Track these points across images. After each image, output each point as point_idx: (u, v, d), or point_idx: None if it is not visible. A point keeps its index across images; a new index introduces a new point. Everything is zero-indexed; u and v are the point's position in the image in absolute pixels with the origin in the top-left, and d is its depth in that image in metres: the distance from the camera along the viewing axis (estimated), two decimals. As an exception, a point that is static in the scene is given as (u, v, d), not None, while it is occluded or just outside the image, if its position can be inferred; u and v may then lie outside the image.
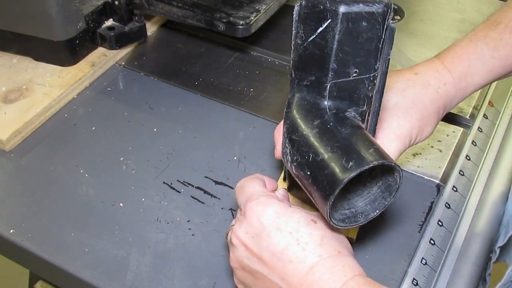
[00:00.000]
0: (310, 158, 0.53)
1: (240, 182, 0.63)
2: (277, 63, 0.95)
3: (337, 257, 0.55)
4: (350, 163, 0.51)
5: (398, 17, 1.05)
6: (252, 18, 0.88)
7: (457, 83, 0.68)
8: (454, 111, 0.86)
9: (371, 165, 0.51)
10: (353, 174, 0.50)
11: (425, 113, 0.67)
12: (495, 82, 0.92)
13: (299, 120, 0.55)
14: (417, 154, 0.80)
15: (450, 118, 0.86)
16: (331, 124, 0.54)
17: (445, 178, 0.77)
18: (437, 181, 0.77)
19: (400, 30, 1.01)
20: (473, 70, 0.67)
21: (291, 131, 0.56)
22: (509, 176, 0.82)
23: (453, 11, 1.06)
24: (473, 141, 0.83)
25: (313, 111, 0.55)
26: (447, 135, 0.83)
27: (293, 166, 0.56)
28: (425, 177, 0.77)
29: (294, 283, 0.55)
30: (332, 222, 0.54)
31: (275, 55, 0.96)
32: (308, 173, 0.53)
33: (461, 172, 0.79)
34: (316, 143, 0.53)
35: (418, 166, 0.79)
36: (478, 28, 0.70)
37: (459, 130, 0.84)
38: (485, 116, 0.87)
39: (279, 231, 0.56)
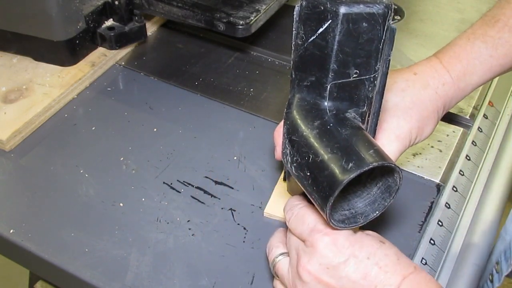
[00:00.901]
0: (310, 159, 0.53)
1: (294, 211, 0.59)
2: (277, 63, 0.96)
3: (417, 273, 0.55)
4: (350, 164, 0.51)
5: (398, 17, 1.05)
6: (252, 18, 0.88)
7: (456, 83, 0.68)
8: (454, 111, 0.86)
9: (371, 166, 0.51)
10: (352, 175, 0.50)
11: (425, 114, 0.67)
12: (495, 83, 0.93)
13: (299, 121, 0.55)
14: (417, 154, 0.80)
15: (450, 118, 0.86)
16: (331, 125, 0.54)
17: (445, 178, 0.77)
18: (437, 181, 0.77)
19: (400, 30, 1.01)
20: (471, 70, 0.67)
21: (291, 132, 0.56)
22: (509, 176, 0.82)
23: (453, 11, 1.06)
24: (473, 141, 0.83)
25: (313, 111, 0.55)
26: (447, 135, 0.83)
27: (293, 167, 0.56)
28: (425, 177, 0.78)
29: None
30: (332, 223, 0.54)
31: (275, 55, 0.96)
32: (308, 174, 0.53)
33: (461, 172, 0.79)
34: (316, 144, 0.53)
35: (418, 166, 0.79)
36: (476, 25, 0.70)
37: (459, 130, 0.84)
38: (485, 116, 0.87)
39: (356, 258, 0.55)
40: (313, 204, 0.56)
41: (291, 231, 0.59)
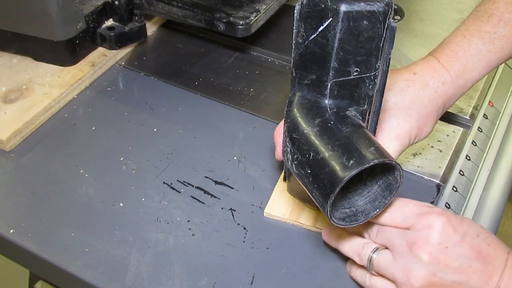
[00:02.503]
0: (311, 157, 0.53)
1: (400, 201, 0.60)
2: (277, 63, 0.95)
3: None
4: (351, 162, 0.51)
5: (398, 17, 1.05)
6: (252, 18, 0.88)
7: (455, 81, 0.68)
8: (454, 111, 0.86)
9: (371, 164, 0.51)
10: (353, 172, 0.50)
11: (424, 113, 0.67)
12: (495, 82, 0.93)
13: (299, 119, 0.55)
14: (417, 154, 0.80)
15: (450, 118, 0.86)
16: (332, 122, 0.54)
17: (445, 178, 0.77)
18: (437, 181, 0.77)
19: (400, 30, 1.01)
20: (470, 67, 0.68)
21: (292, 130, 0.56)
22: (509, 176, 0.82)
23: (453, 11, 1.06)
24: (473, 141, 0.83)
25: (314, 109, 0.55)
26: (447, 135, 0.83)
27: (293, 165, 0.56)
28: (425, 177, 0.77)
29: (494, 282, 0.56)
30: (332, 220, 0.54)
31: (275, 55, 0.96)
32: (309, 171, 0.53)
33: (461, 172, 0.79)
34: (316, 142, 0.53)
35: (418, 166, 0.79)
36: (468, 21, 0.70)
37: (459, 130, 0.84)
38: (485, 116, 0.87)
39: (469, 237, 0.56)
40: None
41: (386, 223, 0.59)
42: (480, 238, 0.56)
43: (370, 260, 0.60)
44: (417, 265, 0.56)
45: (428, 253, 0.55)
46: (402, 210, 0.59)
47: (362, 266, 0.62)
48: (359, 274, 0.64)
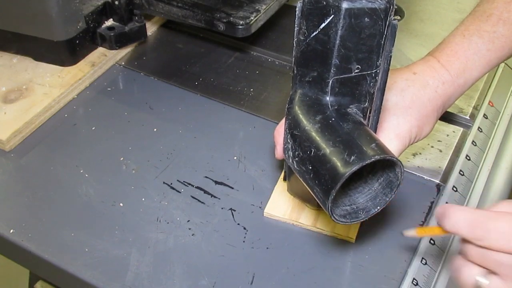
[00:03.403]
0: (312, 153, 0.53)
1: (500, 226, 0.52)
2: (277, 63, 0.95)
3: None
4: (352, 157, 0.51)
5: (398, 17, 1.05)
6: (252, 18, 0.88)
7: (455, 81, 0.68)
8: (454, 111, 0.86)
9: (373, 159, 0.51)
10: (354, 168, 0.50)
11: (424, 113, 0.67)
12: (495, 82, 0.93)
13: (301, 116, 0.55)
14: (417, 154, 0.80)
15: (450, 118, 0.86)
16: (333, 119, 0.54)
17: (445, 178, 0.77)
18: (437, 181, 0.77)
19: (400, 30, 1.00)
20: (470, 66, 0.68)
21: (293, 127, 0.56)
22: (509, 176, 0.82)
23: (453, 11, 1.06)
24: (473, 141, 0.83)
25: (315, 106, 0.55)
26: (447, 135, 0.83)
27: (294, 162, 0.56)
28: (425, 177, 0.77)
29: None
30: (334, 217, 0.54)
31: (275, 55, 0.96)
32: (310, 167, 0.53)
33: (461, 172, 0.79)
34: (318, 138, 0.53)
35: (418, 166, 0.79)
36: (467, 21, 0.70)
37: (459, 130, 0.84)
38: (485, 116, 0.87)
39: None
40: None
41: (501, 249, 0.52)
42: None
43: (477, 285, 0.54)
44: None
45: None
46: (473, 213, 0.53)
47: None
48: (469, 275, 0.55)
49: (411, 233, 0.62)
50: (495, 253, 0.52)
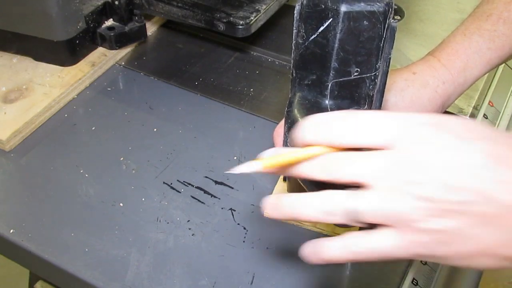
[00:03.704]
0: None
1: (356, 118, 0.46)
2: (277, 63, 0.95)
3: None
4: None
5: (398, 17, 1.05)
6: (252, 18, 0.88)
7: (455, 80, 0.68)
8: (454, 111, 0.86)
9: None
10: None
11: (424, 113, 0.67)
12: (495, 82, 0.93)
13: (300, 119, 0.55)
14: (417, 154, 0.80)
15: (450, 118, 0.86)
16: (333, 122, 0.54)
17: (445, 178, 0.77)
18: (437, 181, 0.77)
19: (400, 30, 1.01)
20: (471, 64, 0.68)
21: (293, 130, 0.56)
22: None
23: (453, 11, 1.06)
24: (473, 141, 0.83)
25: (315, 110, 0.55)
26: (447, 135, 0.83)
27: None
28: (425, 177, 0.77)
29: None
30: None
31: (275, 55, 0.96)
32: None
33: (461, 172, 0.78)
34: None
35: (418, 166, 0.78)
36: (468, 21, 0.70)
37: (459, 130, 0.84)
38: (485, 116, 0.87)
39: (481, 143, 0.44)
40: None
41: (364, 144, 0.45)
42: (498, 143, 0.44)
43: (349, 212, 0.45)
44: (412, 194, 0.43)
45: (426, 176, 0.43)
46: (383, 124, 0.45)
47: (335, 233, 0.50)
48: (340, 246, 0.46)
49: (252, 167, 0.50)
50: (362, 157, 0.45)
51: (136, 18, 0.94)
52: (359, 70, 0.53)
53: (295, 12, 0.54)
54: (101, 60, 0.92)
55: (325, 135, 0.46)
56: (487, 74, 0.73)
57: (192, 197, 0.74)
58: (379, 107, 0.59)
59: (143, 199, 0.74)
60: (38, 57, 0.91)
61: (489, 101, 0.90)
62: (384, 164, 0.44)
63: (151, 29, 1.01)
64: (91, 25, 0.91)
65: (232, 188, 0.75)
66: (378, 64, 0.54)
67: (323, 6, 0.51)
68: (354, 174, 0.45)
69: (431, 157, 0.43)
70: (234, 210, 0.73)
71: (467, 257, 0.44)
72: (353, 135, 0.45)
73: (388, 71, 0.56)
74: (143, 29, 0.95)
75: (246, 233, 0.70)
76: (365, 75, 0.54)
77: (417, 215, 0.43)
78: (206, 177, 0.77)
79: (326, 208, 0.46)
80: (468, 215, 0.43)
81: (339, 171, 0.45)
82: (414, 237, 0.44)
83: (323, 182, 0.46)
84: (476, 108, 0.88)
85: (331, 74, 0.53)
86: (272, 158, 0.49)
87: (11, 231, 0.70)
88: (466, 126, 0.45)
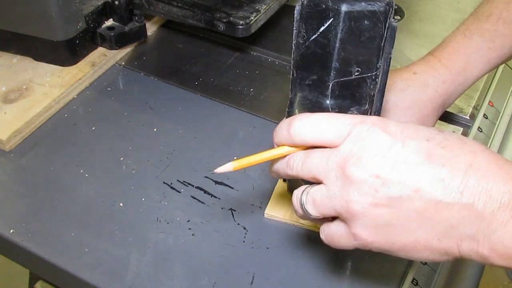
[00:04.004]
0: None
1: (304, 124, 0.51)
2: (277, 63, 0.95)
3: (487, 151, 0.49)
4: None
5: (398, 17, 1.05)
6: (252, 18, 0.88)
7: (455, 79, 0.68)
8: (454, 111, 0.86)
9: None
10: None
11: (425, 112, 0.67)
12: (495, 82, 0.93)
13: None
14: (417, 154, 0.80)
15: (450, 118, 0.86)
16: (333, 123, 0.54)
17: (445, 178, 0.77)
18: (437, 181, 0.77)
19: (400, 30, 1.01)
20: (471, 64, 0.68)
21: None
22: (509, 176, 0.82)
23: (453, 11, 1.06)
24: (473, 141, 0.83)
25: (316, 110, 0.55)
26: (447, 135, 0.83)
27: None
28: (426, 177, 0.77)
29: (453, 188, 0.46)
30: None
31: (275, 55, 0.96)
32: None
33: (461, 172, 0.78)
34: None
35: (419, 166, 0.78)
36: (468, 21, 0.71)
37: (459, 130, 0.84)
38: (485, 116, 0.87)
39: (415, 141, 0.48)
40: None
41: (314, 142, 0.51)
42: (432, 142, 0.47)
43: (303, 205, 0.52)
44: (353, 187, 0.47)
45: (362, 170, 0.47)
46: (332, 125, 0.50)
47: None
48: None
49: (226, 168, 0.55)
50: (313, 155, 0.51)
51: (136, 18, 0.94)
52: (360, 69, 0.53)
53: (295, 12, 0.54)
54: (101, 60, 0.92)
55: (286, 136, 0.53)
56: (487, 74, 0.73)
57: (192, 197, 0.74)
58: (380, 107, 0.59)
59: (143, 199, 0.74)
60: (38, 57, 0.91)
61: (489, 101, 0.90)
62: (326, 162, 0.49)
63: (151, 29, 1.01)
64: (91, 25, 0.91)
65: (232, 188, 0.75)
66: (379, 64, 0.54)
67: (323, 6, 0.51)
68: (309, 170, 0.51)
69: (368, 154, 0.48)
70: (234, 210, 0.73)
71: (408, 249, 0.49)
72: (307, 134, 0.51)
73: (388, 70, 0.56)
74: (143, 29, 0.95)
75: (246, 233, 0.70)
76: (366, 75, 0.54)
77: (354, 209, 0.48)
78: (206, 177, 0.77)
79: (296, 203, 0.53)
80: (401, 209, 0.47)
81: (297, 168, 0.52)
82: (354, 230, 0.49)
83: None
84: (476, 108, 0.88)
85: (332, 74, 0.53)
86: (242, 160, 0.56)
87: (11, 231, 0.70)
88: (402, 126, 0.49)
